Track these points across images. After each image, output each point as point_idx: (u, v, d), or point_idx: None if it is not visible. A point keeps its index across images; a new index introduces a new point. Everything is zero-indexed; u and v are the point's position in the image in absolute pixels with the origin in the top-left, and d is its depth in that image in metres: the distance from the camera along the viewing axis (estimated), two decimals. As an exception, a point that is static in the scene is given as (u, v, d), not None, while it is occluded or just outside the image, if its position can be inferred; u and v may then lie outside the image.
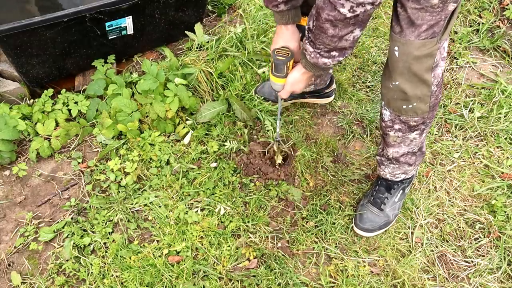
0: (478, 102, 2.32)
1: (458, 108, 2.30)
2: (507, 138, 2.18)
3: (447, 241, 1.87)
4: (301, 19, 1.61)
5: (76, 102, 2.16)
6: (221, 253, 1.78)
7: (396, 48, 1.42)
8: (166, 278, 1.71)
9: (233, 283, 1.72)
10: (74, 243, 1.79)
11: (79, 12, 1.94)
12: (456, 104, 2.32)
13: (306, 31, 1.41)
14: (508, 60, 2.53)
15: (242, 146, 2.06)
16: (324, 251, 1.81)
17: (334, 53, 1.38)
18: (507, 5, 2.72)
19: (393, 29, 1.41)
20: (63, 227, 1.84)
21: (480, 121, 2.24)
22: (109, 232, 1.83)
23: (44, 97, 2.15)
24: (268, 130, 2.09)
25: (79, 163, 2.05)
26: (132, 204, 1.91)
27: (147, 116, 2.10)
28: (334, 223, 1.88)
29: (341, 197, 1.96)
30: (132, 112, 2.06)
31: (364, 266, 1.78)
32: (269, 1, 1.53)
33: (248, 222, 1.86)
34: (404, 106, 1.54)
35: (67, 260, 1.76)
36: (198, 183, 1.97)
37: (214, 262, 1.76)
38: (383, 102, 1.62)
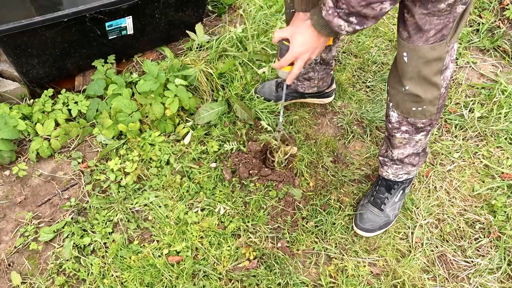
0: (478, 102, 2.32)
1: (458, 108, 2.30)
2: (507, 138, 2.19)
3: (447, 241, 1.87)
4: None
5: (76, 102, 2.16)
6: (221, 253, 1.78)
7: (404, 54, 1.41)
8: (166, 278, 1.71)
9: (233, 283, 1.72)
10: (74, 243, 1.79)
11: (79, 12, 1.94)
12: (456, 104, 2.32)
13: None
14: (508, 60, 2.53)
15: (242, 146, 2.06)
16: (324, 251, 1.81)
17: (353, 19, 1.22)
18: (507, 5, 2.72)
19: (401, 35, 1.40)
20: (63, 227, 1.85)
21: (480, 121, 2.25)
22: (109, 232, 1.83)
23: (44, 97, 2.15)
24: (267, 130, 2.10)
25: (79, 163, 2.05)
26: (132, 204, 1.91)
27: (147, 116, 2.10)
28: (334, 223, 1.88)
29: (341, 197, 1.96)
30: (132, 112, 2.06)
31: (364, 266, 1.78)
32: None
33: (248, 222, 1.86)
34: (414, 108, 1.54)
35: (67, 260, 1.76)
36: (198, 183, 1.97)
37: (214, 262, 1.76)
38: (390, 104, 1.61)
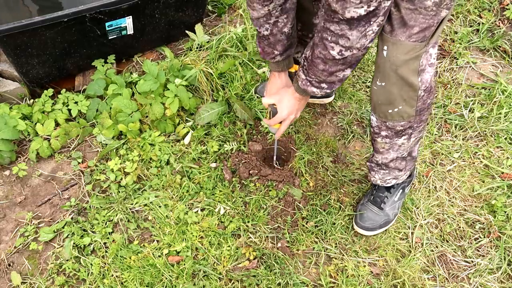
0: (478, 102, 2.32)
1: (458, 108, 2.30)
2: (507, 138, 2.19)
3: (447, 241, 1.87)
4: (293, 66, 1.75)
5: (76, 102, 2.16)
6: (221, 253, 1.78)
7: (385, 47, 1.42)
8: (166, 278, 1.71)
9: (233, 283, 1.72)
10: (74, 243, 1.79)
11: (79, 12, 1.94)
12: (456, 104, 2.32)
13: (302, 59, 1.48)
14: (508, 60, 2.53)
15: (242, 146, 2.06)
16: (324, 251, 1.81)
17: (323, 85, 1.47)
18: (507, 5, 2.73)
19: (384, 28, 1.41)
20: (63, 227, 1.85)
21: (480, 121, 2.25)
22: (109, 232, 1.83)
23: (44, 97, 2.15)
24: (267, 132, 2.10)
25: (79, 163, 2.05)
26: (132, 204, 1.91)
27: (147, 116, 2.10)
28: (334, 223, 1.88)
29: (341, 197, 1.96)
30: (132, 112, 2.06)
31: (364, 266, 1.78)
32: (267, 54, 1.68)
33: (248, 222, 1.86)
34: (390, 111, 1.54)
35: (67, 260, 1.76)
36: (198, 183, 1.97)
37: (214, 262, 1.76)
38: (370, 108, 1.64)
